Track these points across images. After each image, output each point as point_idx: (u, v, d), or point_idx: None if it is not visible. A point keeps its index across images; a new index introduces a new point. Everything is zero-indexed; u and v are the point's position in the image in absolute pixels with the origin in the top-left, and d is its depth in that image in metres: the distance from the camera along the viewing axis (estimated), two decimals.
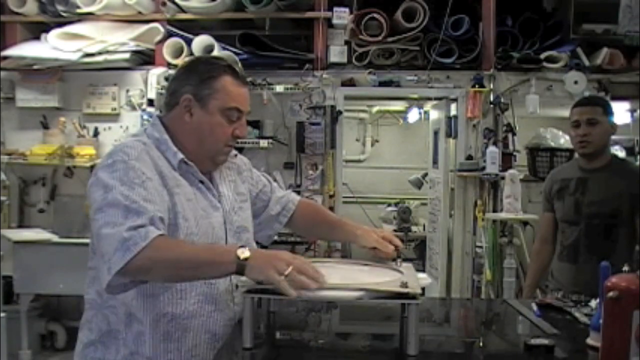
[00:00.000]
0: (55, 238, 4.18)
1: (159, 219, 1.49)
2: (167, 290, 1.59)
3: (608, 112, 2.81)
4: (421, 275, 1.72)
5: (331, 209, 4.56)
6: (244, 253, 1.42)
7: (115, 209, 1.47)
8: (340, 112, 4.64)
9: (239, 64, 4.40)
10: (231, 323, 1.68)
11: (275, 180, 2.11)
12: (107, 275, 1.43)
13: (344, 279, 1.61)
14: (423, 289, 1.69)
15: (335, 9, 4.52)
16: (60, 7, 4.58)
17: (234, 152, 1.86)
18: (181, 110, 1.68)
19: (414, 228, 6.07)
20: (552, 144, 4.85)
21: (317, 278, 1.40)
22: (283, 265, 1.39)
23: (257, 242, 1.92)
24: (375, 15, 4.46)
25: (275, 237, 2.04)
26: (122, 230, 1.43)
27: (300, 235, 4.28)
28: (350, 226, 1.91)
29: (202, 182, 1.71)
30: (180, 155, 1.65)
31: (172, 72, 4.53)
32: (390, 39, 4.51)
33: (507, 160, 4.45)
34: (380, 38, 4.49)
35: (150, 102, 4.57)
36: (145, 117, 4.56)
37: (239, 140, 1.82)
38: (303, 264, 1.42)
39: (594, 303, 1.87)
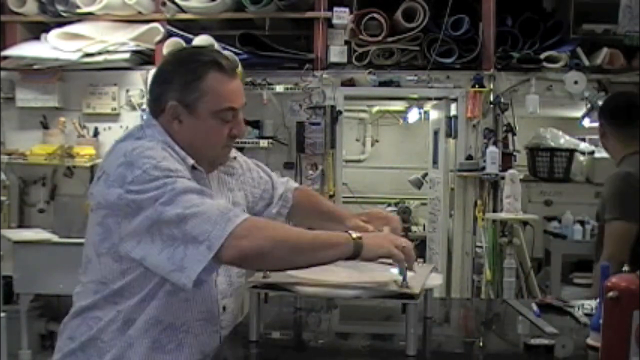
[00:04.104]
0: (55, 238, 4.18)
1: None
2: (172, 296, 1.49)
3: None
4: (433, 274, 1.71)
5: None
6: (354, 234, 1.40)
7: (190, 194, 1.37)
8: (340, 112, 4.64)
9: (239, 64, 4.41)
10: (214, 350, 1.58)
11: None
12: (207, 253, 1.31)
13: (347, 276, 1.61)
14: (430, 288, 1.69)
15: (335, 9, 4.51)
16: (60, 7, 4.58)
17: (234, 154, 1.75)
18: (168, 118, 1.53)
19: (414, 228, 6.08)
20: (552, 144, 4.85)
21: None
22: (398, 241, 1.43)
23: None
24: (375, 15, 4.46)
25: None
26: (214, 206, 1.35)
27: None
28: (341, 219, 1.76)
29: None
30: (191, 160, 1.53)
31: None
32: (390, 39, 4.50)
33: (507, 160, 4.45)
34: (380, 38, 4.48)
35: None
36: (145, 117, 4.55)
37: (239, 140, 1.78)
38: (409, 243, 1.45)
39: (594, 303, 1.87)
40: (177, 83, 1.51)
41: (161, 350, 1.50)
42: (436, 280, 1.70)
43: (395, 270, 1.51)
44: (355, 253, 1.39)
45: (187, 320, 1.52)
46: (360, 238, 1.39)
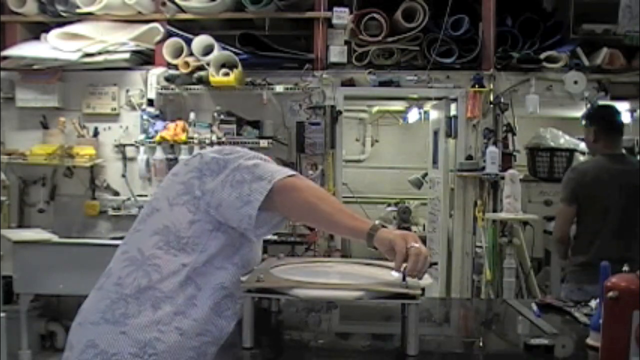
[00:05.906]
0: (55, 238, 4.17)
1: None
2: (238, 269, 1.64)
3: None
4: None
5: None
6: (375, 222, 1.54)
7: (271, 164, 1.66)
8: (340, 112, 4.64)
9: (239, 65, 4.42)
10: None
11: None
12: (267, 185, 1.56)
13: (344, 278, 1.61)
14: (423, 288, 1.69)
15: (335, 9, 4.51)
16: (60, 7, 4.58)
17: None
18: None
19: (413, 228, 6.07)
20: (552, 144, 4.85)
21: (422, 270, 1.47)
22: (411, 240, 1.47)
23: None
24: (375, 15, 4.46)
25: (275, 237, 2.04)
26: (276, 165, 1.65)
27: (300, 235, 4.30)
28: None
29: None
30: None
31: (172, 72, 4.54)
32: (390, 39, 4.50)
33: (507, 160, 4.45)
34: (380, 38, 4.48)
35: (150, 102, 4.56)
36: (145, 117, 4.55)
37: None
38: (422, 251, 1.46)
39: (594, 303, 1.87)
40: None
41: (218, 314, 1.62)
42: (425, 280, 1.69)
43: (395, 273, 1.51)
44: (370, 233, 1.50)
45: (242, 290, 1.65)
46: (383, 225, 1.53)
